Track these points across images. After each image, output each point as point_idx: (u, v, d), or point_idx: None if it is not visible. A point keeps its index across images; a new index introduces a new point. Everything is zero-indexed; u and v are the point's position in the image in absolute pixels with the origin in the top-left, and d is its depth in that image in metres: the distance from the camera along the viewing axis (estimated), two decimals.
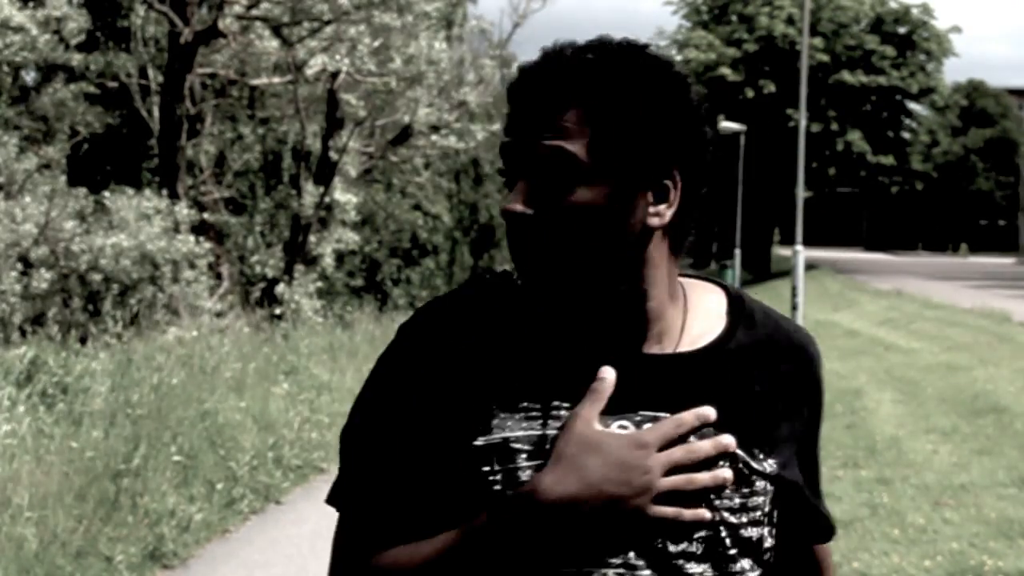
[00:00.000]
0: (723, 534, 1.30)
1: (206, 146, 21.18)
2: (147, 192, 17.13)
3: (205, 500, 7.13)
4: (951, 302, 24.65)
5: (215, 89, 21.40)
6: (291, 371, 11.58)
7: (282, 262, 20.11)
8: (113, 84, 21.63)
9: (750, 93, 45.60)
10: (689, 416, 1.29)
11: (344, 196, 19.82)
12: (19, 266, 14.75)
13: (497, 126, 21.91)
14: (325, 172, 20.07)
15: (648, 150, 1.30)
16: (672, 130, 1.31)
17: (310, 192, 19.81)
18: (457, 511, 1.31)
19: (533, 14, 26.24)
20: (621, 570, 1.28)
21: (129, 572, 5.91)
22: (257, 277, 20.28)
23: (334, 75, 19.22)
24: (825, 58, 45.45)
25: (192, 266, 16.44)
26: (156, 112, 20.27)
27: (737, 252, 35.52)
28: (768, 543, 1.35)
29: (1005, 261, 59.97)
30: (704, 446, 1.29)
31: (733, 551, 1.30)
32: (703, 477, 1.28)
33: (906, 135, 50.96)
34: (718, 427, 1.31)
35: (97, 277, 15.43)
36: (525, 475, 1.29)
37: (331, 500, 1.39)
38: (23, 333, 13.39)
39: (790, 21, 45.21)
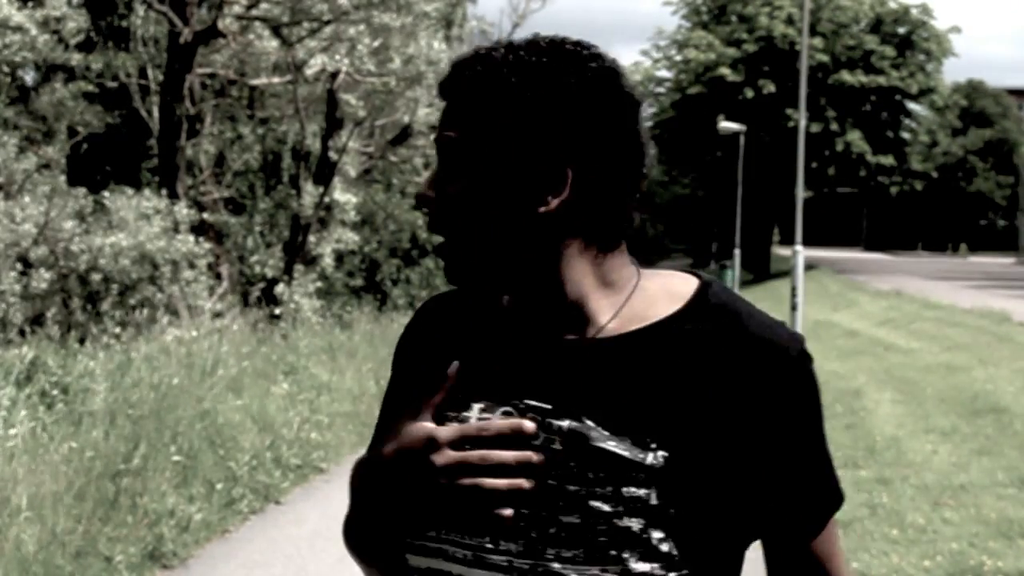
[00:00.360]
0: (590, 521, 1.28)
1: (206, 146, 21.18)
2: (147, 192, 17.12)
3: (205, 500, 7.13)
4: (951, 302, 24.61)
5: (215, 89, 21.40)
6: (290, 371, 11.58)
7: (281, 262, 20.10)
8: (113, 84, 21.64)
9: (750, 93, 45.59)
10: (502, 424, 1.32)
11: (344, 196, 19.80)
12: (19, 266, 14.74)
13: None
14: (325, 172, 20.06)
15: (520, 142, 1.33)
16: (557, 123, 1.32)
17: (310, 192, 19.80)
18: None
19: (532, 14, 26.20)
20: (440, 544, 1.34)
21: (129, 572, 5.91)
22: (256, 277, 20.26)
23: (334, 75, 19.21)
24: (825, 58, 45.44)
25: (192, 266, 16.43)
26: (156, 112, 20.28)
27: (737, 252, 35.47)
28: (659, 536, 1.29)
29: (1005, 261, 60.03)
30: (496, 424, 1.32)
31: (603, 539, 1.28)
32: (502, 454, 1.30)
33: (906, 135, 50.90)
34: (602, 412, 1.32)
35: (97, 277, 15.43)
36: None
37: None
38: (23, 333, 13.38)
39: (790, 21, 45.20)
